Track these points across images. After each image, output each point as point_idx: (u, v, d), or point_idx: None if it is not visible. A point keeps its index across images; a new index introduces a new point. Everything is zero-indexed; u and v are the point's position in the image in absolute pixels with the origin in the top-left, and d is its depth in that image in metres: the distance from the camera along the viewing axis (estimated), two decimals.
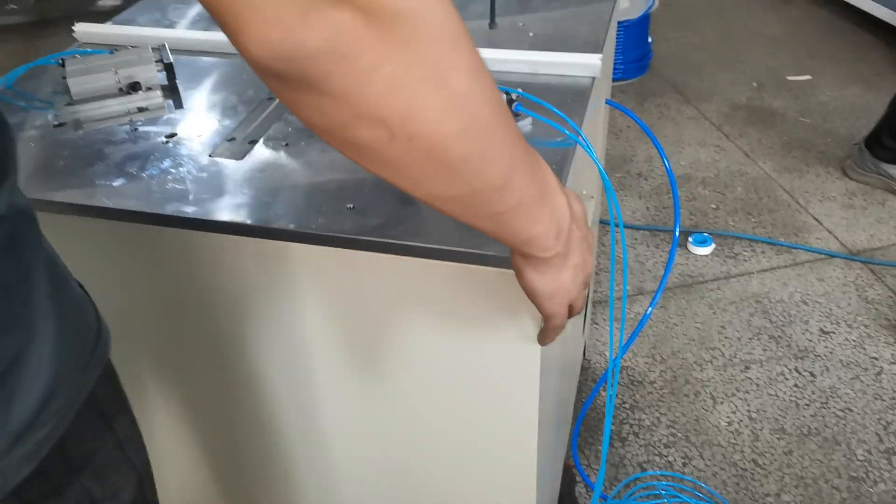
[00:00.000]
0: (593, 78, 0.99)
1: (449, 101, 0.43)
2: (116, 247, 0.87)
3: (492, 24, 1.17)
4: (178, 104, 1.01)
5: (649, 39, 3.01)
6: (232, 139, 0.91)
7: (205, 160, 0.88)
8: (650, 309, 1.24)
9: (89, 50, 1.08)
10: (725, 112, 2.73)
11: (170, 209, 0.80)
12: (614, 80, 2.95)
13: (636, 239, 2.14)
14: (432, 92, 0.42)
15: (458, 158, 0.45)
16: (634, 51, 2.94)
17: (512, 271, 0.63)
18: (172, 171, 0.86)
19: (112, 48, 1.08)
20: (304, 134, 0.91)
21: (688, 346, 1.80)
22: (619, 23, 2.84)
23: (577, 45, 1.06)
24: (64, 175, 0.86)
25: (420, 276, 0.79)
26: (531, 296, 0.64)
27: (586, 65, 0.99)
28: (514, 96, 0.90)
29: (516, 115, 0.90)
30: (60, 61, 1.03)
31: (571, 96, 0.95)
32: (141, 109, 0.99)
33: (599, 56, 1.00)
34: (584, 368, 1.75)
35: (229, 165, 0.87)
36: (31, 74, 1.06)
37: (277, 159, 0.87)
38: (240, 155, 0.88)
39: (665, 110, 2.76)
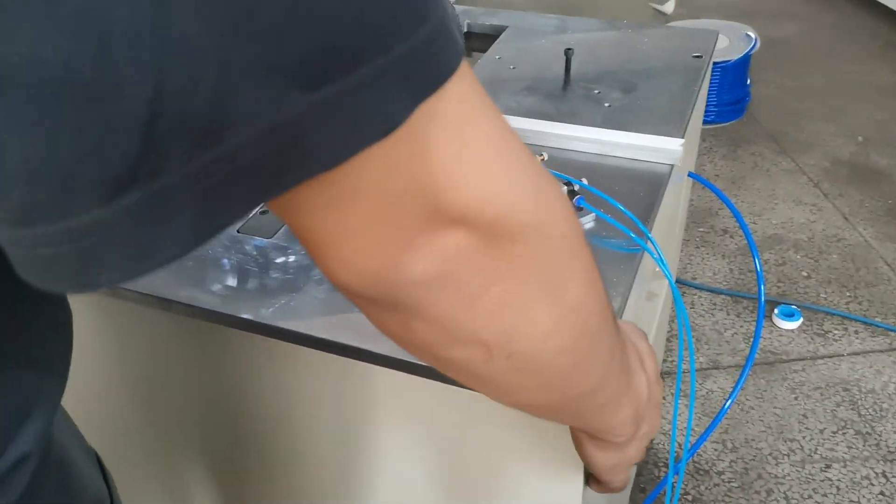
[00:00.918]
0: (672, 166, 0.88)
1: (561, 315, 0.37)
2: (123, 327, 0.81)
3: (565, 85, 1.07)
4: None
5: (748, 82, 2.83)
6: (265, 211, 0.84)
7: (231, 235, 0.80)
8: (729, 402, 1.10)
9: None
10: (825, 167, 2.53)
11: (183, 295, 0.73)
12: (707, 122, 2.79)
13: (715, 304, 1.99)
14: (545, 308, 0.36)
15: (559, 371, 0.39)
16: (730, 93, 2.77)
17: None
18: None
19: None
20: None
21: (763, 435, 1.64)
22: (717, 63, 2.68)
23: (657, 123, 0.95)
24: None
25: (440, 396, 0.69)
26: (589, 466, 0.58)
27: (665, 150, 0.88)
28: (576, 188, 0.79)
29: (578, 210, 0.79)
30: None
31: (644, 187, 0.84)
32: None
33: (681, 142, 0.88)
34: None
35: (256, 245, 0.79)
36: None
37: None
38: (270, 232, 0.81)
39: (759, 160, 2.58)
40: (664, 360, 1.81)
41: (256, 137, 0.23)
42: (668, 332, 1.87)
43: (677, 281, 2.05)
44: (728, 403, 1.09)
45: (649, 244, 0.76)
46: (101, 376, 0.85)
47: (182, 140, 0.22)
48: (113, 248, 0.24)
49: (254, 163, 0.24)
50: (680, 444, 1.60)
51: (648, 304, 1.14)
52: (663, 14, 3.64)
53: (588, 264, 0.38)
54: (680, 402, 1.70)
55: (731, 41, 2.76)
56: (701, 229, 2.27)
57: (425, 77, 0.26)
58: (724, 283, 2.06)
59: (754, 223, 2.28)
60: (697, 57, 1.12)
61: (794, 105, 2.91)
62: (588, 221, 0.79)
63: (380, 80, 0.25)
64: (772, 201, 2.38)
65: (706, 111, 2.85)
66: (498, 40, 1.18)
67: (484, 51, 1.17)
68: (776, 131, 2.75)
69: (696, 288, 2.04)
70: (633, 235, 0.75)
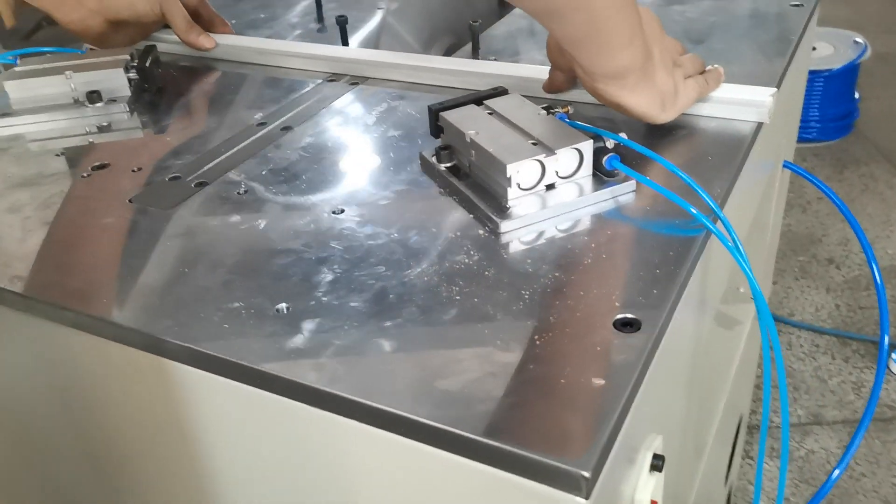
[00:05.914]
0: (758, 124, 0.60)
1: None
2: None
3: None
4: (149, 123, 0.72)
5: (856, 96, 2.48)
6: (176, 177, 0.61)
7: (120, 206, 0.58)
8: (839, 470, 0.83)
9: (67, 48, 0.82)
10: None
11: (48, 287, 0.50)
12: (808, 140, 2.45)
13: (817, 346, 1.65)
14: None
15: None
16: (836, 107, 2.43)
17: None
18: (71, 219, 0.56)
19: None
20: (277, 179, 0.59)
21: None
22: (818, 72, 2.35)
23: (741, 77, 0.67)
24: None
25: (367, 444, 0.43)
26: (633, 112, 0.57)
27: (751, 102, 0.60)
28: (609, 143, 0.53)
29: (611, 175, 0.53)
30: (18, 60, 0.78)
31: (718, 152, 0.57)
32: (101, 128, 0.72)
33: (771, 91, 0.61)
34: None
35: (149, 218, 0.56)
36: None
37: (216, 216, 0.55)
38: (169, 202, 0.57)
39: (870, 182, 2.23)
40: (752, 413, 1.48)
41: None
42: (757, 376, 1.54)
43: (776, 318, 1.73)
44: (838, 472, 0.82)
45: (719, 225, 0.49)
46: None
47: None
48: None
49: None
50: None
51: (727, 332, 0.85)
52: None
53: None
54: (772, 463, 1.38)
55: (837, 48, 2.43)
56: (801, 258, 1.93)
57: None
58: (829, 322, 1.72)
59: None
60: (797, 6, 0.84)
61: None
62: (625, 192, 0.52)
63: None
64: (887, 228, 2.02)
65: (806, 127, 2.50)
66: None
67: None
68: (890, 150, 2.38)
69: (795, 326, 1.71)
70: (693, 211, 0.48)
